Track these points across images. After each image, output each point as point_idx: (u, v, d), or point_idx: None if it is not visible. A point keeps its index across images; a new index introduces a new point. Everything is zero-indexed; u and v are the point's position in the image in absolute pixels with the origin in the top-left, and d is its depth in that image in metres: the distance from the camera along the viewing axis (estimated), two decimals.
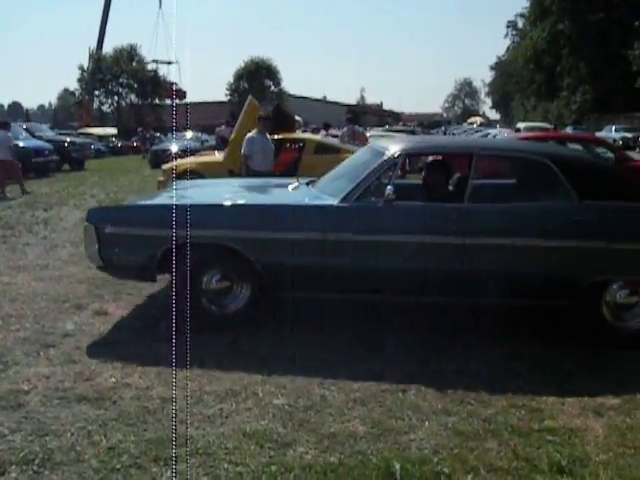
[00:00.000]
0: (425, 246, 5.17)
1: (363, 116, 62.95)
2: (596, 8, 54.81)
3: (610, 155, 12.59)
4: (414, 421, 3.88)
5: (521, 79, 79.86)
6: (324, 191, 5.64)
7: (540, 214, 5.25)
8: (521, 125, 37.56)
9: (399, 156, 5.36)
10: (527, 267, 5.14)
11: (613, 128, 41.82)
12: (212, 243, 5.30)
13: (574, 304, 5.20)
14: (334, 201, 5.24)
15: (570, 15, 58.51)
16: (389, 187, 5.08)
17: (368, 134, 19.61)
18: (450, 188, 6.15)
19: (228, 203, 5.54)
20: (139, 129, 36.04)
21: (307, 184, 6.20)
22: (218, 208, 5.46)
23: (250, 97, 12.92)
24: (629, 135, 38.94)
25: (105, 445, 3.54)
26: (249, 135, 9.61)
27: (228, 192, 6.20)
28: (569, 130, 41.80)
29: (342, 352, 4.91)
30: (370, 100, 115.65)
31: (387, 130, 27.11)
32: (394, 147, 5.48)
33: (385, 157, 5.35)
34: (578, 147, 13.25)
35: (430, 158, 6.41)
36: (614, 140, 37.30)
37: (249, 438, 3.64)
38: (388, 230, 5.19)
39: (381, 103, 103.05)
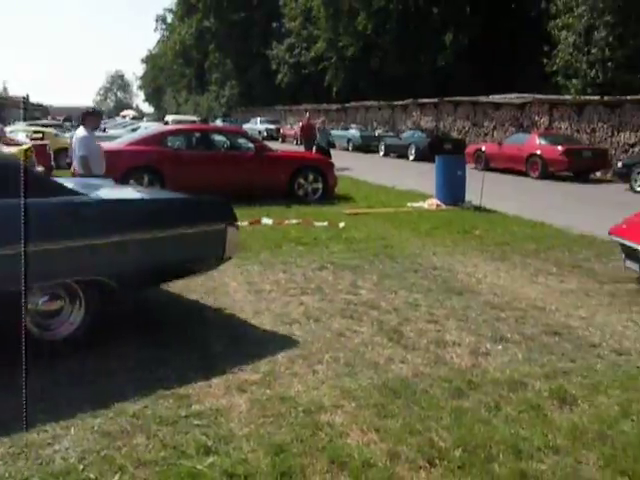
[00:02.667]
0: None
1: (5, 110, 57.86)
2: (238, 8, 57.87)
3: (251, 145, 13.40)
4: (58, 431, 3.65)
5: (172, 73, 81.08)
6: None
7: None
8: (169, 118, 38.16)
9: None
10: None
11: (258, 120, 44.86)
12: None
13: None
14: None
15: (215, 13, 60.95)
16: None
17: (8, 129, 18.25)
18: None
19: None
20: None
21: None
22: None
23: None
24: (272, 127, 42.14)
25: None
26: (82, 134, 8.15)
27: None
28: (219, 122, 43.68)
29: None
30: (15, 93, 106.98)
31: (30, 124, 25.25)
32: None
33: None
34: (223, 139, 13.89)
35: None
36: (259, 132, 40.02)
37: None
38: None
39: (27, 96, 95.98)
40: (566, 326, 5.59)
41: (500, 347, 5.06)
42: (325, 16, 43.03)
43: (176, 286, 6.59)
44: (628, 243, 6.96)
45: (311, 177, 13.37)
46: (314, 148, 19.61)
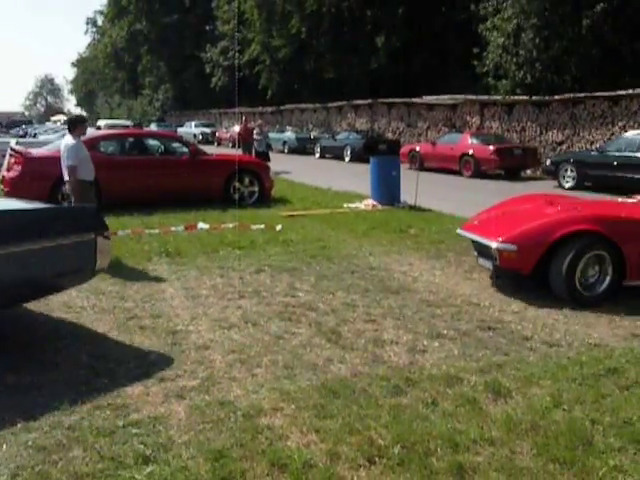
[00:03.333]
0: None
1: None
2: (171, 10, 57.17)
3: (185, 150, 13.27)
4: None
5: (104, 77, 79.65)
6: None
7: None
8: (101, 122, 37.51)
9: None
10: None
11: (193, 124, 44.45)
12: None
13: None
14: None
15: (147, 15, 60.08)
16: None
17: None
18: None
19: None
20: None
21: None
22: None
23: None
24: (207, 130, 41.78)
25: None
26: (72, 142, 7.95)
27: None
28: (153, 127, 43.11)
29: None
30: None
31: None
32: None
33: None
34: (157, 143, 13.70)
35: None
36: (194, 135, 39.67)
37: None
38: None
39: None
40: (500, 321, 5.74)
41: (436, 344, 5.15)
42: (258, 19, 42.93)
43: (110, 293, 6.50)
44: (481, 240, 6.87)
45: (247, 180, 13.31)
46: (253, 153, 19.44)
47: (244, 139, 20.42)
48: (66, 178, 8.13)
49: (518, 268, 6.52)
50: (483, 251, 6.93)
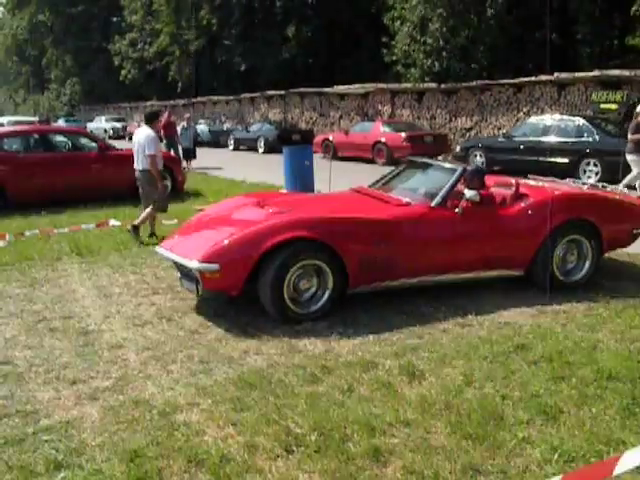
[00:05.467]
0: None
1: None
2: (76, 1, 55.47)
3: (94, 145, 12.90)
4: None
5: (5, 71, 76.60)
6: None
7: None
8: (4, 119, 36.03)
9: None
10: None
11: (103, 118, 43.16)
12: None
13: None
14: None
15: (50, 6, 58.01)
16: None
17: None
18: None
19: None
20: None
21: None
22: None
23: None
24: (118, 125, 40.67)
25: None
26: (153, 134, 8.72)
27: None
28: (61, 122, 41.65)
29: None
30: None
31: None
32: None
33: None
34: (64, 139, 13.27)
35: None
36: (105, 130, 38.61)
37: None
38: None
39: None
40: (412, 303, 5.82)
41: (352, 330, 5.21)
42: (167, 9, 42.14)
43: (18, 297, 6.27)
44: (180, 260, 5.64)
45: None
46: (180, 149, 18.74)
47: (168, 134, 19.49)
48: (140, 167, 8.70)
49: (226, 289, 5.54)
50: (186, 272, 5.73)
